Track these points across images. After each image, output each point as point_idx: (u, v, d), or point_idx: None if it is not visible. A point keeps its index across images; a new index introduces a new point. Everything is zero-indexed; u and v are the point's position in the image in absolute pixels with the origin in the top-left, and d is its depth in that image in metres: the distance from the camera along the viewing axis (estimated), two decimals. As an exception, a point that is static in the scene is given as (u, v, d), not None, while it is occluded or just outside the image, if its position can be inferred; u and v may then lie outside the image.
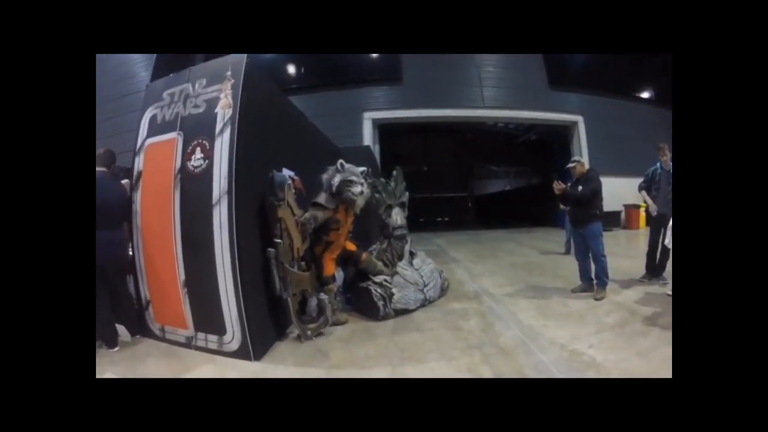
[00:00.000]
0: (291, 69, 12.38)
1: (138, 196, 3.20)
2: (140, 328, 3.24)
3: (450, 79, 12.07)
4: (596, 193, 4.06)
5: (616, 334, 2.97)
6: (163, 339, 3.13)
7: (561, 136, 13.79)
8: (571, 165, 4.30)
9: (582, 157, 4.45)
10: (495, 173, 23.87)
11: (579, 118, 12.89)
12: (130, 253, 3.27)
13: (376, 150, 11.75)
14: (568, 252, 7.20)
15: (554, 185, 4.08)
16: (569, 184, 4.22)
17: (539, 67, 12.63)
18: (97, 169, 3.09)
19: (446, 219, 22.77)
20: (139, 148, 3.25)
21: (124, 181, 3.37)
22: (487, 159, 21.99)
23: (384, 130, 12.89)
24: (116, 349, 2.99)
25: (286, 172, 3.22)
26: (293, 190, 3.18)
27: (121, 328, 3.21)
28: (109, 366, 2.67)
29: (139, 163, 3.23)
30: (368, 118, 11.93)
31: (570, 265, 5.77)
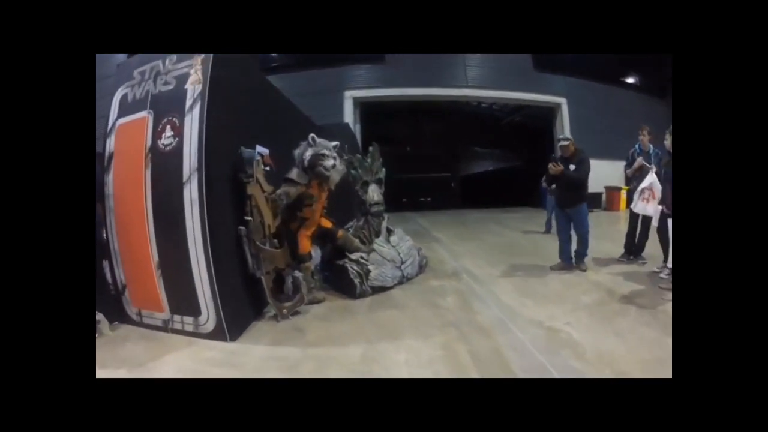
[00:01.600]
0: (268, 47, 12.00)
1: (110, 178, 3.11)
2: (118, 314, 3.16)
3: (433, 58, 11.80)
4: (587, 175, 4.18)
5: (593, 312, 3.02)
6: (140, 324, 3.08)
7: (545, 118, 13.85)
8: (564, 143, 4.29)
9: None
10: (479, 154, 23.87)
11: (563, 100, 12.94)
12: (105, 237, 3.18)
13: (357, 129, 11.60)
14: (548, 231, 7.33)
15: (551, 166, 4.11)
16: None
17: (524, 49, 12.55)
18: None
19: (429, 199, 22.80)
20: (110, 130, 3.15)
21: None
22: (471, 140, 21.96)
23: (367, 110, 12.69)
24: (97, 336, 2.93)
25: (260, 149, 3.15)
26: (262, 166, 3.12)
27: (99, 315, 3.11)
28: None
29: (110, 144, 3.14)
30: (349, 97, 11.75)
31: (550, 244, 5.87)
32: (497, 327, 2.81)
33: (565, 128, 12.64)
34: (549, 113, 13.51)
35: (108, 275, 3.24)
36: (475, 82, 12.48)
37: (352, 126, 11.03)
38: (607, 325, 2.76)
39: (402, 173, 21.96)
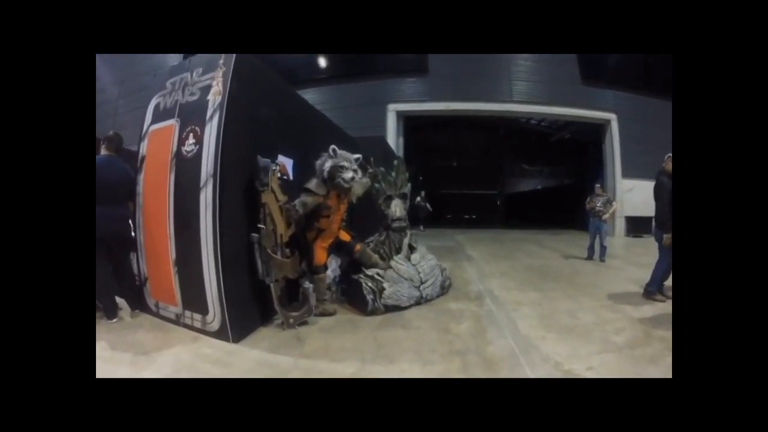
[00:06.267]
0: (312, 60, 12.23)
1: (141, 178, 3.38)
2: (139, 303, 3.42)
3: (478, 71, 11.67)
4: None
5: (624, 356, 2.64)
6: (157, 314, 3.29)
7: (596, 135, 13.14)
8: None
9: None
10: (527, 172, 23.07)
11: (612, 116, 12.23)
12: (133, 231, 3.43)
13: (400, 143, 11.61)
14: (590, 257, 6.95)
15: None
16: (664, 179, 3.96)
17: (571, 61, 11.99)
18: (105, 152, 3.32)
19: (473, 216, 22.31)
20: (144, 134, 3.43)
21: None
22: (519, 157, 21.31)
23: (412, 123, 12.69)
24: (115, 320, 3.19)
25: (281, 159, 3.23)
26: (278, 176, 3.20)
27: (123, 302, 3.40)
28: (104, 334, 2.88)
29: (143, 147, 3.42)
30: (392, 110, 11.78)
31: (589, 272, 5.46)
32: (506, 361, 2.56)
33: (614, 146, 11.94)
34: (599, 129, 12.81)
35: (135, 267, 3.48)
36: (520, 96, 12.11)
37: (395, 139, 11.06)
38: (636, 372, 2.37)
39: (447, 189, 21.81)
